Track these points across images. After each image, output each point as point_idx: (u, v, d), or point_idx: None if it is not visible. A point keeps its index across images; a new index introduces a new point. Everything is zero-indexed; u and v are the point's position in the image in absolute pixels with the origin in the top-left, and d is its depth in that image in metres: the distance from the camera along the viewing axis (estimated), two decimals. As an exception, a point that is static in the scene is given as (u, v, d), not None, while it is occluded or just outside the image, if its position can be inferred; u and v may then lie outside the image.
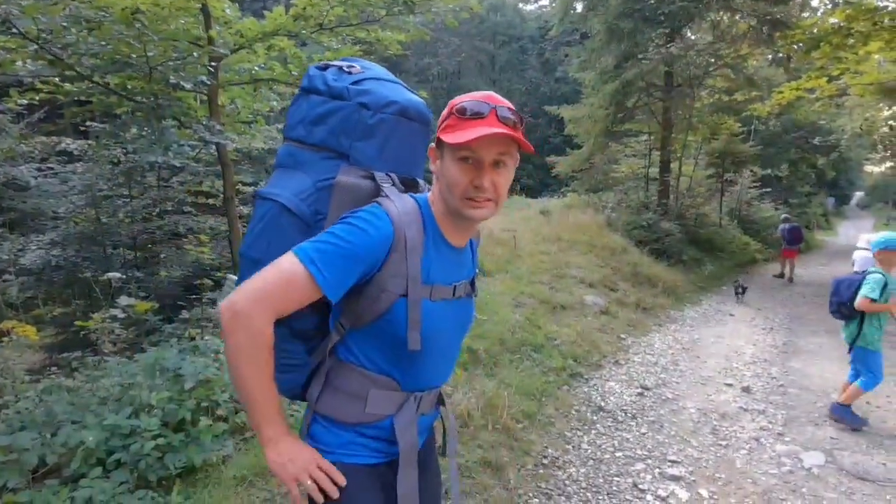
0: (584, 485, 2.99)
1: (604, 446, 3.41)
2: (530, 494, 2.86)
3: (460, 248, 1.23)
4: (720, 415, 3.94)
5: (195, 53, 3.50)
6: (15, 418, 3.18)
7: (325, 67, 1.31)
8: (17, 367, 5.53)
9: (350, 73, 1.28)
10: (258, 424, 1.12)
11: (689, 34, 11.66)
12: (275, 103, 7.05)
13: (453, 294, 1.21)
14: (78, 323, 4.61)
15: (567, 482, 3.01)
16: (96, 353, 4.82)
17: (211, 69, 4.01)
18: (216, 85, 4.33)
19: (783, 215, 11.96)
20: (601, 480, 3.04)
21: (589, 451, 3.36)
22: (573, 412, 3.86)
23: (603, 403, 4.00)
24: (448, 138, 1.09)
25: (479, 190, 1.09)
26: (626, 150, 13.51)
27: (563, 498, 2.87)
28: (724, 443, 3.52)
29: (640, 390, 4.25)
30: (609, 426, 3.67)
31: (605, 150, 12.44)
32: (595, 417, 3.80)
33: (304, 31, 4.17)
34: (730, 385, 4.55)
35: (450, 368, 1.35)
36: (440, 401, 1.33)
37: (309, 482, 1.14)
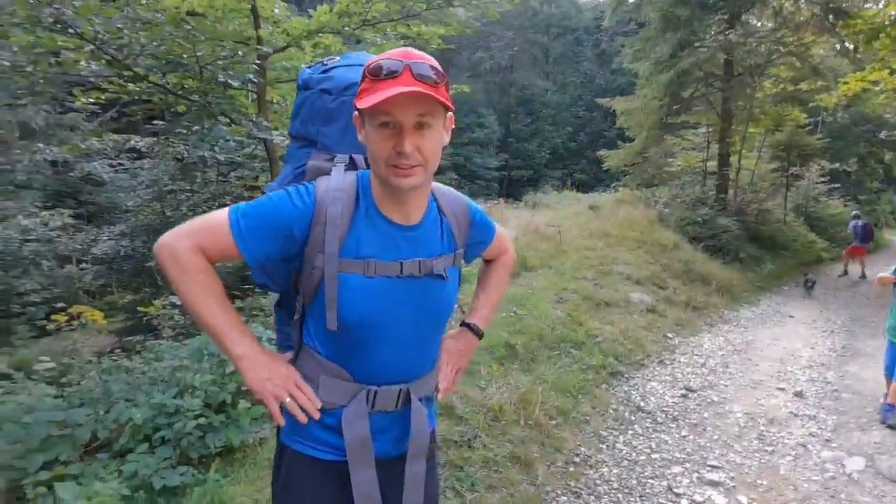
0: (615, 485, 2.92)
1: (640, 447, 3.31)
2: (558, 492, 2.82)
3: (407, 224, 1.15)
4: (768, 420, 3.73)
5: (240, 52, 3.64)
6: (75, 395, 3.43)
7: (315, 65, 1.36)
8: (84, 349, 5.97)
9: (327, 65, 1.32)
10: (225, 348, 1.11)
11: (749, 20, 11.02)
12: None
13: (401, 272, 1.12)
14: (140, 309, 4.93)
15: (598, 482, 2.94)
16: (157, 338, 5.13)
17: (258, 67, 4.16)
18: (264, 83, 4.48)
19: (854, 212, 11.16)
20: (634, 482, 2.95)
21: (624, 451, 3.27)
22: (610, 411, 3.77)
23: (643, 403, 3.88)
24: (361, 103, 1.03)
25: (401, 156, 1.02)
26: (683, 143, 12.95)
27: (592, 497, 2.81)
28: (769, 448, 3.34)
29: (683, 392, 4.10)
30: (647, 427, 3.56)
31: (659, 143, 11.96)
32: (633, 417, 3.69)
33: (346, 28, 4.25)
34: (782, 389, 4.30)
35: (415, 361, 1.23)
36: (408, 400, 1.21)
37: (288, 399, 1.12)
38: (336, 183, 1.12)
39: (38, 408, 3.05)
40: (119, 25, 3.18)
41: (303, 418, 1.14)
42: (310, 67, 1.37)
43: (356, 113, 1.09)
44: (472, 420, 3.30)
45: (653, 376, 4.40)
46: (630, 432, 3.50)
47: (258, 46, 3.65)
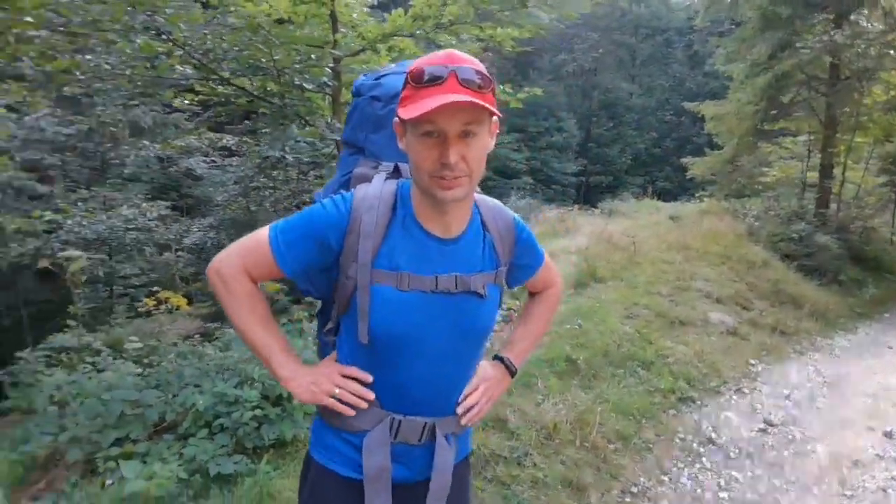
0: (675, 523, 2.70)
1: (707, 483, 3.05)
2: (611, 524, 2.65)
3: (446, 236, 1.10)
4: (853, 462, 3.32)
5: (313, 56, 3.75)
6: (153, 376, 3.67)
7: (371, 73, 1.37)
8: (171, 332, 6.42)
9: (380, 72, 1.31)
10: (271, 370, 1.13)
11: (858, 21, 9.95)
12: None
13: (436, 286, 1.07)
14: (220, 296, 5.23)
15: (656, 517, 2.74)
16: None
17: (333, 71, 4.27)
18: (339, 85, 4.60)
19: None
20: (697, 521, 2.72)
21: (688, 486, 3.02)
22: (676, 440, 3.51)
23: (714, 435, 3.58)
24: (404, 113, 0.98)
25: (446, 167, 0.97)
26: (780, 152, 11.92)
27: (648, 533, 2.62)
28: (848, 493, 2.97)
29: (762, 426, 3.74)
30: (717, 462, 3.28)
31: (752, 151, 11.04)
32: (702, 450, 3.41)
33: (419, 32, 4.27)
34: (871, 429, 3.82)
35: (447, 383, 1.17)
36: (433, 435, 1.15)
37: (337, 391, 1.11)
38: (374, 191, 1.10)
39: (118, 386, 3.30)
40: (205, 32, 3.37)
41: (349, 412, 1.11)
42: (365, 75, 1.37)
43: (396, 119, 1.04)
44: (524, 436, 3.19)
45: (729, 406, 4.05)
46: (697, 465, 3.23)
47: (332, 50, 3.74)
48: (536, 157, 30.58)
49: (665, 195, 23.14)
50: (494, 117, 1.04)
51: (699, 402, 4.05)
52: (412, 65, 1.03)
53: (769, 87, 9.50)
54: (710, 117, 11.90)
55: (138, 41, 3.40)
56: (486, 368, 1.28)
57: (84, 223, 6.32)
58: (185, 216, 11.45)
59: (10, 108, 6.25)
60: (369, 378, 1.12)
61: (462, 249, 1.12)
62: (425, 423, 1.14)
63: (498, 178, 28.11)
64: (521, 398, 3.60)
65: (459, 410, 1.19)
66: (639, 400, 3.85)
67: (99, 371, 3.98)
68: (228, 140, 9.76)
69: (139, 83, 4.08)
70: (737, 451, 3.40)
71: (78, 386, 3.37)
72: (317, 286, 1.23)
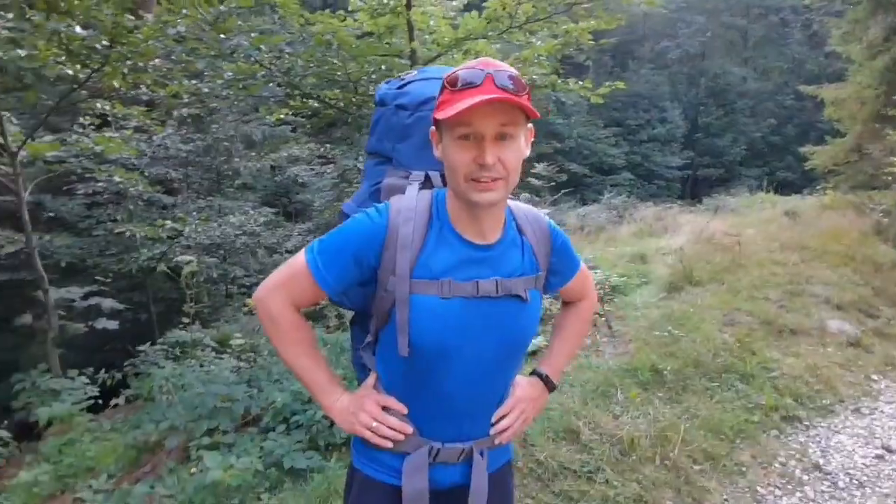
0: (766, 558, 2.42)
1: (808, 516, 2.71)
2: (689, 552, 2.44)
3: (484, 242, 1.10)
4: None
5: (382, 66, 3.86)
6: (246, 372, 3.98)
7: (391, 80, 1.36)
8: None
9: (404, 79, 1.29)
10: (317, 400, 1.18)
11: None
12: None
13: (476, 291, 1.07)
14: (311, 300, 5.59)
15: (744, 549, 2.48)
16: (325, 327, 5.72)
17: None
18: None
19: None
20: (793, 559, 2.42)
21: (785, 517, 2.70)
22: (776, 465, 3.15)
23: (822, 461, 3.16)
24: (440, 114, 0.99)
25: (483, 168, 0.98)
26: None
27: (732, 567, 2.37)
28: None
29: (880, 451, 3.24)
30: (822, 492, 2.89)
31: (878, 139, 9.64)
32: (806, 477, 3.03)
33: (491, 33, 4.24)
34: None
35: (486, 396, 1.17)
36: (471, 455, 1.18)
37: (374, 425, 1.13)
38: (409, 203, 1.10)
39: (216, 380, 3.61)
40: (289, 52, 3.59)
41: (387, 445, 1.13)
42: (387, 82, 1.37)
43: (433, 127, 1.07)
44: (597, 450, 3.04)
45: (842, 427, 3.56)
46: (798, 495, 2.87)
47: (401, 60, 3.82)
48: (637, 151, 29.10)
49: (786, 188, 21.02)
50: (530, 125, 1.06)
51: (807, 423, 3.61)
52: (449, 72, 1.04)
53: (888, 71, 8.29)
54: (830, 102, 10.56)
55: (226, 65, 3.71)
56: (522, 386, 1.27)
57: (199, 230, 7.01)
58: (291, 221, 12.36)
59: (139, 129, 7.11)
60: (405, 410, 1.14)
61: (501, 254, 1.12)
62: (463, 448, 1.16)
63: (595, 175, 27.12)
64: (596, 409, 3.43)
65: (492, 432, 1.20)
66: (734, 417, 3.51)
67: (201, 365, 4.39)
68: (328, 149, 10.39)
69: (236, 102, 4.45)
70: (847, 479, 2.98)
71: (182, 378, 3.74)
72: (351, 299, 1.25)
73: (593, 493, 2.72)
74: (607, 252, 8.28)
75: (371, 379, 1.18)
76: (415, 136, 1.21)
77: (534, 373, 1.33)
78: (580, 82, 4.61)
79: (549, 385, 1.31)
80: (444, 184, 1.15)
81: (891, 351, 4.61)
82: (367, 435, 1.12)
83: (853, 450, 3.27)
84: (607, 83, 4.79)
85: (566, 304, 1.39)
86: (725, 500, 2.81)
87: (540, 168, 12.77)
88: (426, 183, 1.18)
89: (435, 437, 1.15)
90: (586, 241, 9.47)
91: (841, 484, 2.95)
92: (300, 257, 1.11)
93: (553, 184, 13.67)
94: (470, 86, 0.97)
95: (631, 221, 10.28)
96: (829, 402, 3.87)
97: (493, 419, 1.20)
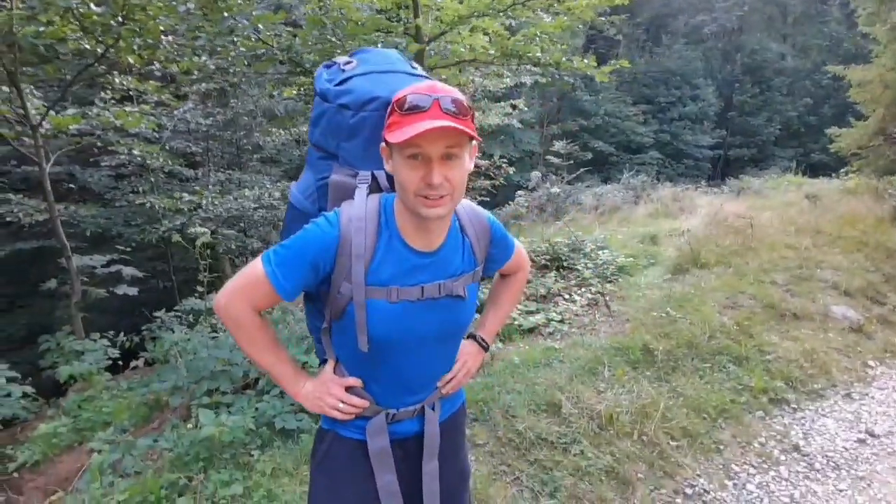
0: (728, 531, 2.51)
1: (777, 494, 2.76)
2: (653, 521, 2.54)
3: (429, 250, 1.20)
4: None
5: (379, 44, 3.90)
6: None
7: (331, 65, 1.36)
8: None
9: (344, 69, 1.31)
10: (282, 386, 1.30)
11: None
12: (507, 80, 7.30)
13: (421, 295, 1.19)
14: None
15: (707, 522, 2.56)
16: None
17: (415, 55, 4.39)
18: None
19: None
20: (755, 533, 2.50)
21: (754, 494, 2.76)
22: (755, 445, 3.20)
23: (802, 443, 3.20)
24: (391, 137, 1.06)
25: (430, 187, 1.07)
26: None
27: (693, 537, 2.46)
28: None
29: (863, 436, 3.26)
30: (797, 472, 2.94)
31: (903, 122, 9.24)
32: (783, 458, 3.08)
33: (491, 10, 4.22)
34: None
35: (436, 371, 1.35)
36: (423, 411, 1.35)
37: (341, 406, 1.26)
38: (359, 211, 1.17)
39: (219, 345, 3.81)
40: (290, 30, 3.66)
41: (350, 418, 1.29)
42: (327, 67, 1.39)
43: (383, 144, 1.14)
44: (575, 423, 3.13)
45: (830, 411, 3.57)
46: (772, 474, 2.93)
47: (406, 34, 3.85)
48: (666, 130, 28.37)
49: (821, 170, 20.31)
50: (474, 142, 1.13)
51: (794, 406, 3.62)
52: (397, 94, 1.10)
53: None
54: (856, 83, 10.10)
55: (237, 41, 3.80)
56: (463, 345, 1.45)
57: (215, 202, 7.22)
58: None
59: (160, 104, 7.31)
60: (361, 384, 1.28)
61: (443, 259, 1.23)
62: (415, 408, 1.33)
63: (621, 154, 26.60)
64: (581, 385, 3.52)
65: (439, 384, 1.37)
66: (719, 398, 3.55)
67: (214, 332, 4.61)
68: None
69: (245, 77, 4.56)
70: (823, 461, 3.01)
71: (189, 343, 3.95)
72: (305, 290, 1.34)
73: (566, 464, 2.83)
74: (619, 232, 8.23)
75: (330, 366, 1.31)
76: (359, 137, 1.25)
77: (470, 336, 1.49)
78: (585, 60, 4.57)
79: (484, 346, 1.50)
80: (391, 184, 1.24)
81: (892, 338, 4.55)
82: (335, 414, 1.27)
83: (836, 433, 3.29)
84: (612, 62, 4.72)
85: (502, 275, 1.52)
86: (698, 475, 2.89)
87: (559, 146, 12.63)
88: (373, 184, 1.26)
89: (391, 405, 1.30)
90: (598, 222, 9.41)
91: (817, 465, 2.99)
92: (258, 267, 1.16)
93: (571, 162, 13.55)
94: (418, 110, 1.05)
95: (648, 202, 10.13)
96: (820, 386, 3.87)
97: (440, 384, 1.37)
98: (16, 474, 3.45)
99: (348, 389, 1.28)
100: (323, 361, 1.39)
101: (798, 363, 4.11)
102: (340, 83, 1.30)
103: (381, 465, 1.29)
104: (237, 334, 1.22)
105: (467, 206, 1.31)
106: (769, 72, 30.26)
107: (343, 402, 1.26)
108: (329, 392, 1.26)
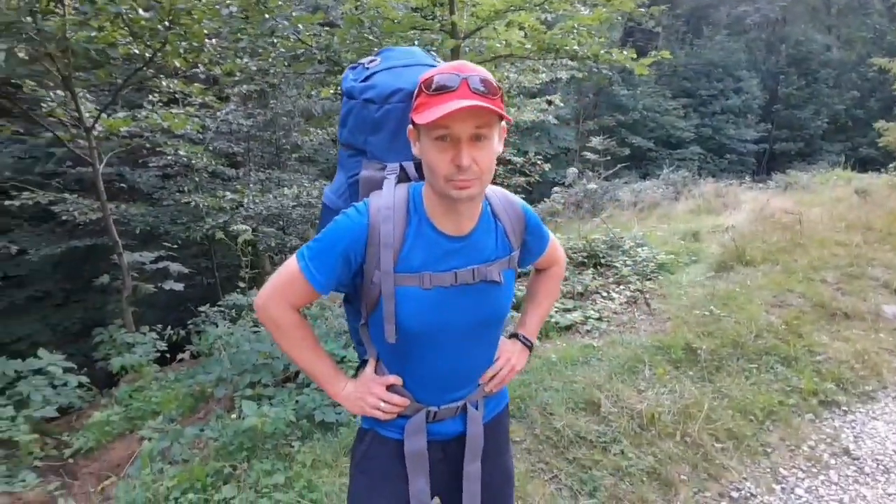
0: (776, 536, 2.42)
1: (827, 498, 2.65)
2: (696, 524, 2.47)
3: (460, 234, 1.18)
4: None
5: (416, 42, 3.92)
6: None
7: (356, 66, 1.37)
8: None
9: (368, 67, 1.32)
10: (322, 386, 1.29)
11: None
12: (543, 76, 7.24)
13: (455, 280, 1.17)
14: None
15: (754, 526, 2.48)
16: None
17: (450, 52, 4.40)
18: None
19: None
20: (805, 539, 2.40)
21: (803, 499, 2.66)
22: (804, 448, 3.07)
23: (853, 446, 3.06)
24: (419, 118, 1.05)
25: (460, 170, 1.04)
26: None
27: (739, 542, 2.39)
28: None
29: (919, 442, 3.09)
30: (847, 476, 2.81)
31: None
32: (833, 461, 2.95)
33: (527, 4, 4.18)
34: None
35: (474, 364, 1.30)
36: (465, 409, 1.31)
37: (382, 405, 1.24)
38: (387, 200, 1.16)
39: (262, 339, 3.91)
40: (328, 30, 3.72)
41: (391, 418, 1.27)
42: (353, 68, 1.40)
43: (410, 126, 1.13)
44: (615, 422, 3.08)
45: (881, 414, 3.39)
46: (821, 478, 2.81)
47: (441, 30, 3.85)
48: (708, 124, 27.52)
49: (869, 164, 19.34)
50: (503, 122, 1.10)
51: (846, 408, 3.46)
52: (424, 75, 1.09)
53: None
54: None
55: (278, 42, 3.89)
56: (505, 343, 1.41)
57: (256, 201, 7.40)
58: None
59: (203, 106, 7.55)
60: (400, 381, 1.25)
61: (476, 243, 1.20)
62: (458, 405, 1.30)
63: (660, 149, 25.94)
64: (621, 384, 3.46)
65: (482, 381, 1.33)
66: (767, 399, 3.43)
67: (255, 327, 4.73)
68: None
69: (286, 78, 4.66)
70: (874, 465, 2.87)
71: (232, 337, 4.07)
72: (342, 287, 1.33)
73: (606, 463, 2.79)
74: (659, 229, 8.03)
75: (371, 366, 1.29)
76: (385, 129, 1.25)
77: (512, 336, 1.46)
78: (624, 52, 4.47)
79: (528, 345, 1.44)
80: (419, 174, 1.22)
81: (952, 339, 4.29)
82: (377, 414, 1.25)
83: (886, 436, 3.14)
84: (652, 53, 4.61)
85: (538, 270, 1.50)
86: (744, 478, 2.80)
87: (595, 142, 12.43)
88: (401, 174, 1.26)
89: (431, 402, 1.27)
90: (637, 218, 9.20)
91: (867, 469, 2.85)
92: (293, 264, 1.17)
93: (608, 158, 13.31)
94: (446, 90, 1.03)
95: (689, 198, 9.85)
96: (871, 388, 3.69)
97: (482, 380, 1.33)
98: (71, 460, 3.63)
99: (389, 388, 1.26)
100: (363, 363, 1.39)
101: (849, 364, 3.93)
102: (365, 80, 1.32)
103: (415, 468, 1.27)
104: (276, 334, 1.21)
105: (499, 192, 1.29)
106: (815, 63, 28.96)
107: (384, 401, 1.24)
108: (370, 391, 1.24)
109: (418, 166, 1.23)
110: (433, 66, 1.31)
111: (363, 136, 1.28)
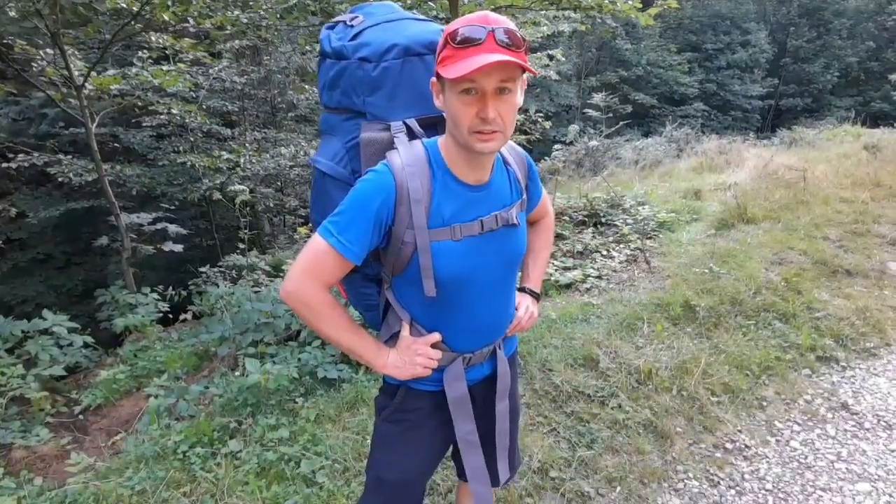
0: (769, 486, 2.48)
1: (823, 451, 2.71)
2: (691, 475, 2.53)
3: (480, 183, 1.20)
4: None
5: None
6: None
7: (334, 25, 1.33)
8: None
9: (352, 25, 1.27)
10: (366, 362, 1.27)
11: None
12: (544, 29, 7.00)
13: (482, 229, 1.20)
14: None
15: (748, 476, 2.54)
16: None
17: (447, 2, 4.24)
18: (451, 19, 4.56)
19: None
20: (797, 489, 2.46)
21: (798, 451, 2.72)
22: (800, 402, 3.12)
23: (851, 401, 3.10)
24: (445, 72, 1.03)
25: (485, 122, 1.05)
26: None
27: (732, 492, 2.45)
28: None
29: (918, 397, 3.13)
30: (845, 430, 2.86)
31: None
32: (830, 416, 3.00)
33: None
34: None
35: (501, 310, 1.35)
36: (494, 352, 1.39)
37: (427, 363, 1.25)
38: (408, 158, 1.15)
39: (263, 299, 3.92)
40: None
41: (430, 373, 1.28)
42: (330, 28, 1.35)
43: (433, 78, 1.11)
44: (613, 378, 3.13)
45: (882, 370, 3.43)
46: (817, 431, 2.86)
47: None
48: (713, 79, 26.90)
49: (883, 119, 19.00)
50: (526, 74, 1.10)
51: (844, 364, 3.50)
52: (449, 26, 1.07)
53: None
54: None
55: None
56: (521, 296, 1.51)
57: (252, 161, 7.31)
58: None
59: (196, 62, 7.33)
60: (439, 338, 1.27)
61: (495, 191, 1.23)
62: (489, 348, 1.36)
63: (663, 106, 25.43)
64: (619, 341, 3.49)
65: (509, 332, 1.43)
66: (763, 355, 3.46)
67: (256, 286, 4.75)
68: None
69: (278, 32, 4.51)
70: (874, 420, 2.92)
71: (233, 296, 4.08)
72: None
73: (603, 416, 2.84)
74: (660, 187, 7.96)
75: (406, 330, 1.27)
76: (384, 87, 1.23)
77: (520, 289, 1.53)
78: (629, 1, 4.29)
79: (535, 296, 1.54)
80: (428, 125, 1.23)
81: (954, 296, 4.30)
82: (422, 373, 1.26)
83: (888, 392, 3.18)
84: (658, 2, 4.43)
85: (530, 224, 1.52)
86: (739, 431, 2.85)
87: (598, 99, 12.16)
88: (409, 133, 1.23)
89: (465, 349, 1.31)
90: (639, 177, 9.10)
91: (867, 425, 2.90)
92: (319, 242, 1.14)
93: (610, 115, 13.05)
94: (472, 42, 1.01)
95: (692, 155, 9.71)
96: (873, 345, 3.72)
97: (509, 332, 1.43)
98: (81, 416, 3.71)
99: (433, 346, 1.26)
100: (375, 330, 1.38)
101: (849, 321, 3.95)
102: (353, 38, 1.27)
103: (460, 412, 1.31)
104: (312, 318, 1.17)
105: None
106: (828, 14, 28.01)
107: (431, 358, 1.25)
108: (417, 353, 1.24)
109: (423, 123, 1.22)
110: (416, 18, 1.31)
111: (361, 96, 1.25)
